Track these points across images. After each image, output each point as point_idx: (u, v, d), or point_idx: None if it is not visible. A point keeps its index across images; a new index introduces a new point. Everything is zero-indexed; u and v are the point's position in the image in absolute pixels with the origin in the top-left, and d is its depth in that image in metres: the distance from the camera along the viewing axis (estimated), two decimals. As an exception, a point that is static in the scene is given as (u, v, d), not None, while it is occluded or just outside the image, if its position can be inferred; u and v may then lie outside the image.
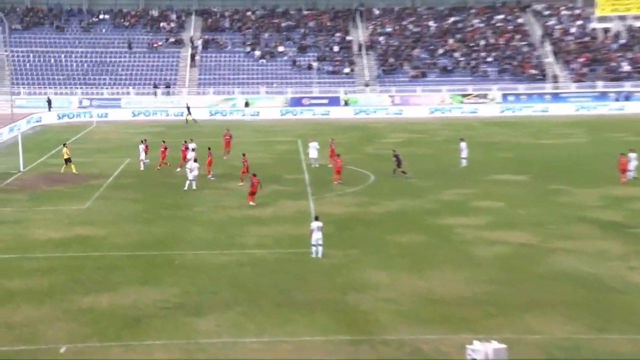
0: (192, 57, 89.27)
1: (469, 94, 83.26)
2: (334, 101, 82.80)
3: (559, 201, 36.30)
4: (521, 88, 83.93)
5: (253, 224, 35.10)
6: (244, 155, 45.56)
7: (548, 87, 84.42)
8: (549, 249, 30.36)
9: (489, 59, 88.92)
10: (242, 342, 21.64)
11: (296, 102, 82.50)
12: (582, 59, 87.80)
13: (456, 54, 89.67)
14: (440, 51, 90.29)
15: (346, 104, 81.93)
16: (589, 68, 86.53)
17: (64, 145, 50.70)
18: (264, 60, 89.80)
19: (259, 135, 67.34)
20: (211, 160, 46.21)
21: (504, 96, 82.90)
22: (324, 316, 23.46)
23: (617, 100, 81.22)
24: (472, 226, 34.02)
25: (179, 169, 48.03)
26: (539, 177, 44.96)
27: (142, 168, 49.29)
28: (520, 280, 26.44)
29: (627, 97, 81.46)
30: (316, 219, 29.94)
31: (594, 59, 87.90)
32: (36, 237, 32.99)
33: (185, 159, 47.62)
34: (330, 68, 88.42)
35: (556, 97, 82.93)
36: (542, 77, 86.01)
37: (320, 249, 29.32)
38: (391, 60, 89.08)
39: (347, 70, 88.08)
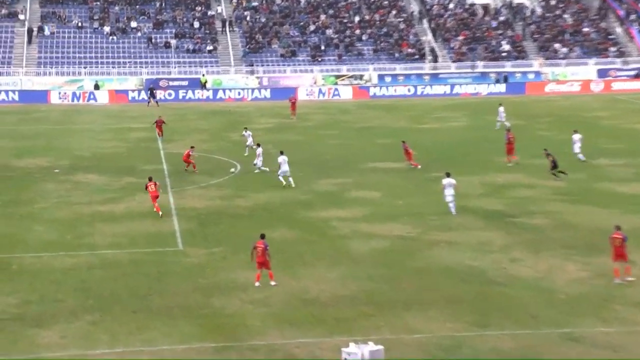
0: (29, 32, 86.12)
1: (343, 75, 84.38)
2: (195, 83, 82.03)
3: (440, 190, 37.36)
4: (399, 68, 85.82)
5: (104, 222, 34.32)
6: (403, 142, 45.83)
7: (426, 67, 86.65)
8: (429, 241, 31.19)
9: (364, 37, 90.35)
10: (92, 353, 21.13)
11: (153, 84, 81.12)
12: (461, 37, 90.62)
13: (329, 31, 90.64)
14: (312, 28, 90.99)
15: (204, 86, 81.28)
16: (468, 47, 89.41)
17: None
18: (115, 37, 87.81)
19: (111, 122, 65.85)
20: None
21: (381, 77, 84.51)
22: (185, 322, 23.23)
23: (497, 81, 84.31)
24: (348, 219, 34.52)
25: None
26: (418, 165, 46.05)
27: None
28: (399, 276, 27.05)
29: (507, 77, 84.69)
30: (448, 175, 34.69)
31: (474, 37, 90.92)
32: None
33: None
34: (191, 46, 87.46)
35: (435, 77, 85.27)
36: (420, 56, 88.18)
37: (452, 205, 34.10)
38: (258, 37, 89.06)
39: (209, 48, 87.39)
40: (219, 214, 35.69)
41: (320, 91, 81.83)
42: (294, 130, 60.32)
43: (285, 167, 40.59)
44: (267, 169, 43.55)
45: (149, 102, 74.75)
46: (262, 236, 26.70)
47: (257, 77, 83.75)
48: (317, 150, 51.82)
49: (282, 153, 41.39)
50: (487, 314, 23.68)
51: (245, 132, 50.70)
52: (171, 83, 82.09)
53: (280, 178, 40.55)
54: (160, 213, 35.22)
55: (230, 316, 23.71)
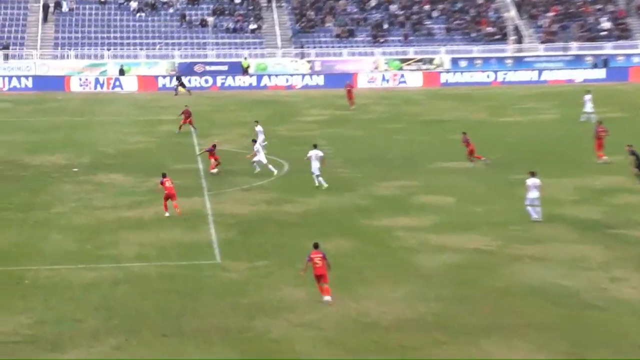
0: (45, 8, 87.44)
1: (410, 59, 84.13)
2: (236, 68, 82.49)
3: (525, 195, 37.08)
4: (476, 51, 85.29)
5: (131, 230, 34.64)
6: (464, 133, 46.85)
7: (509, 50, 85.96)
8: (511, 256, 30.90)
9: (435, 14, 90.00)
10: (117, 384, 21.35)
11: (186, 68, 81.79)
12: (551, 14, 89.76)
13: (393, 7, 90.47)
14: (373, 3, 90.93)
15: (246, 71, 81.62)
16: (560, 25, 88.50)
17: None
18: (143, 14, 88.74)
19: (138, 113, 66.54)
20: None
21: (454, 61, 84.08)
22: (224, 347, 23.33)
23: (595, 65, 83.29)
24: (415, 228, 34.36)
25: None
26: (499, 165, 45.71)
27: None
28: (475, 297, 26.84)
29: (607, 61, 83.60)
30: (533, 174, 35.31)
31: (567, 13, 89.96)
32: None
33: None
34: (231, 25, 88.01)
35: (519, 61, 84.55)
36: (501, 36, 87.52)
37: (537, 209, 34.70)
38: (310, 14, 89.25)
39: (252, 27, 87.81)
40: (264, 221, 35.79)
41: (383, 78, 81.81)
42: (351, 124, 60.29)
43: (315, 164, 40.74)
44: (274, 169, 44.01)
45: (176, 91, 75.16)
46: (316, 246, 26.74)
47: (309, 61, 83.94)
48: (378, 147, 51.72)
49: (315, 147, 41.56)
50: (582, 344, 23.36)
51: (257, 126, 50.59)
52: (208, 68, 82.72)
53: (319, 179, 40.80)
54: (168, 214, 36.03)
55: (276, 341, 23.73)
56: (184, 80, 77.25)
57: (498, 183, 41.97)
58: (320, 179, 40.79)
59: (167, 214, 36.12)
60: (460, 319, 25.10)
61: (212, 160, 44.34)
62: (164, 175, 36.96)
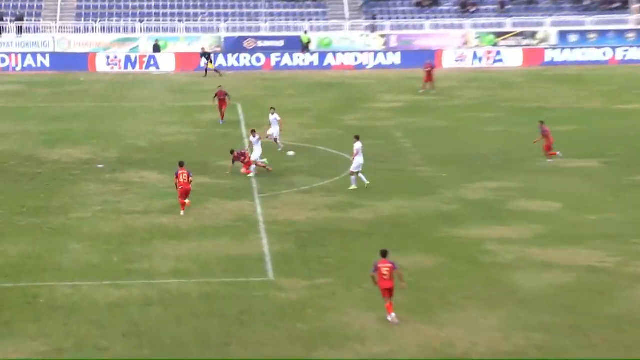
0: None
1: (507, 33, 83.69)
2: (294, 43, 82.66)
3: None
4: (589, 22, 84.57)
5: (166, 239, 34.83)
6: (542, 123, 47.16)
7: (631, 21, 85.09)
8: (633, 275, 30.56)
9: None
10: None
11: (235, 44, 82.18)
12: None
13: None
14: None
15: (307, 47, 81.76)
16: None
17: None
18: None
19: (176, 98, 66.96)
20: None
21: (562, 35, 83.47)
22: (278, 385, 23.38)
23: None
24: (512, 241, 34.15)
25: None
26: (617, 164, 45.28)
27: None
28: (587, 326, 26.58)
29: None
30: None
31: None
32: None
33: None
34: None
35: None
36: (621, 4, 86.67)
37: None
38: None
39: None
40: (326, 230, 35.75)
41: (474, 56, 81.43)
42: (433, 112, 60.09)
43: (360, 159, 40.93)
44: (266, 162, 44.28)
45: (218, 72, 75.26)
46: (385, 253, 26.72)
47: (382, 36, 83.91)
48: (466, 140, 51.53)
49: (357, 139, 41.69)
50: None
51: (272, 114, 50.24)
52: (260, 43, 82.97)
53: (353, 177, 41.06)
54: (182, 212, 37.11)
55: (342, 377, 23.74)
56: (212, 58, 77.19)
57: (616, 186, 41.55)
58: (354, 177, 41.18)
59: (181, 213, 37.14)
60: (569, 353, 24.87)
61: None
62: (181, 165, 37.55)
